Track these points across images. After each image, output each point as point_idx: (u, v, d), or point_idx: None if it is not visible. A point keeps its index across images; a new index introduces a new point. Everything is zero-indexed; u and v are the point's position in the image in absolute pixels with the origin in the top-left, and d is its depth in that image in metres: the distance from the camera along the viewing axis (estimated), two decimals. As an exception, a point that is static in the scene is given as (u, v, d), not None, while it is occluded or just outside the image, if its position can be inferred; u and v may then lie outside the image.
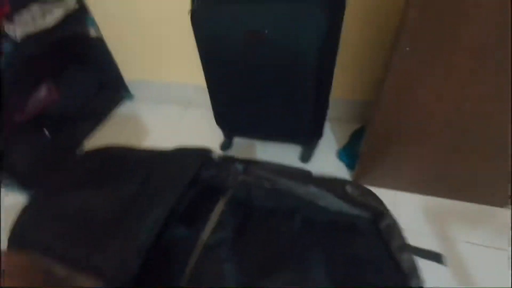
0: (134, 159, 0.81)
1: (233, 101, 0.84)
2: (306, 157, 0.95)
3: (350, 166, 0.92)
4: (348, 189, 0.66)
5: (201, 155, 0.78)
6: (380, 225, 0.61)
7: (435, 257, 0.62)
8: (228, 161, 0.75)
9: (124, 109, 1.39)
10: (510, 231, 0.63)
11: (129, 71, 1.34)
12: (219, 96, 0.86)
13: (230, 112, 0.88)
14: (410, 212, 0.83)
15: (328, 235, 0.64)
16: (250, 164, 0.73)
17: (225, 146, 1.05)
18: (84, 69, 1.21)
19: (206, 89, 1.20)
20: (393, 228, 0.60)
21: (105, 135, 1.27)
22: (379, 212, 0.62)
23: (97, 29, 1.17)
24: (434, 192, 0.85)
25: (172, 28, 1.06)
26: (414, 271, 0.53)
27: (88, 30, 1.15)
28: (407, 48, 0.59)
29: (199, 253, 0.59)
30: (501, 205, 0.81)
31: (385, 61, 0.65)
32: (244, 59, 0.72)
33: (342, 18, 0.72)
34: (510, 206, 0.81)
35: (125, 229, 0.60)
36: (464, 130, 0.69)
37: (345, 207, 0.64)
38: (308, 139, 0.88)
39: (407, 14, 0.55)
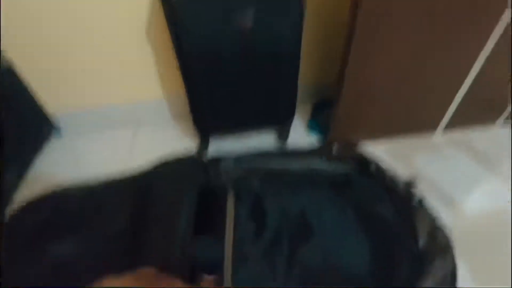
0: (111, 189, 0.73)
1: (216, 96, 0.85)
2: (284, 136, 1.03)
3: (321, 134, 1.05)
4: (335, 149, 0.76)
5: (194, 160, 0.76)
6: (370, 169, 0.72)
7: (412, 181, 0.79)
8: (215, 161, 0.75)
9: (53, 148, 1.13)
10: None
11: (52, 103, 1.13)
12: (200, 94, 0.86)
13: (211, 108, 0.88)
14: (380, 154, 1.02)
15: (334, 194, 0.72)
16: (239, 158, 0.76)
17: (202, 149, 1.03)
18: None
19: (156, 104, 1.14)
20: (381, 167, 0.72)
21: (35, 185, 1.02)
22: (365, 159, 0.73)
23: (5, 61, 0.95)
24: (390, 134, 1.06)
25: (93, 48, 0.97)
26: (411, 191, 0.65)
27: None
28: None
29: (231, 256, 0.58)
30: (433, 130, 1.07)
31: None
32: (230, 51, 0.75)
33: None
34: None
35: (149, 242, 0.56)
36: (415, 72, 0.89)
37: (337, 167, 0.73)
38: (285, 119, 0.96)
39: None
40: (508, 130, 1.10)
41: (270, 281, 0.59)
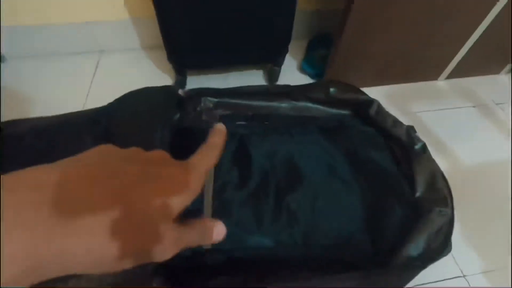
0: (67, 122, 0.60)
1: (194, 22, 0.68)
2: (274, 76, 0.91)
3: (316, 75, 0.93)
4: (332, 90, 0.66)
5: (168, 91, 0.64)
6: (370, 111, 0.64)
7: (410, 129, 0.71)
8: (194, 96, 0.64)
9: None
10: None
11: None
12: (174, 20, 0.69)
13: (189, 38, 0.72)
14: (376, 98, 0.94)
15: (325, 139, 0.64)
16: (222, 95, 0.65)
17: (180, 85, 0.89)
18: None
19: (122, 28, 0.95)
20: (382, 109, 0.63)
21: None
22: (366, 101, 0.64)
23: None
24: (389, 81, 0.97)
25: None
26: (413, 136, 0.58)
27: None
28: None
29: (211, 207, 0.52)
30: (435, 78, 0.99)
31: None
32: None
33: None
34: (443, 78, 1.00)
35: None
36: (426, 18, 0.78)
37: (331, 110, 0.64)
38: (277, 54, 0.83)
39: None
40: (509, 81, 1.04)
41: (254, 230, 0.52)
